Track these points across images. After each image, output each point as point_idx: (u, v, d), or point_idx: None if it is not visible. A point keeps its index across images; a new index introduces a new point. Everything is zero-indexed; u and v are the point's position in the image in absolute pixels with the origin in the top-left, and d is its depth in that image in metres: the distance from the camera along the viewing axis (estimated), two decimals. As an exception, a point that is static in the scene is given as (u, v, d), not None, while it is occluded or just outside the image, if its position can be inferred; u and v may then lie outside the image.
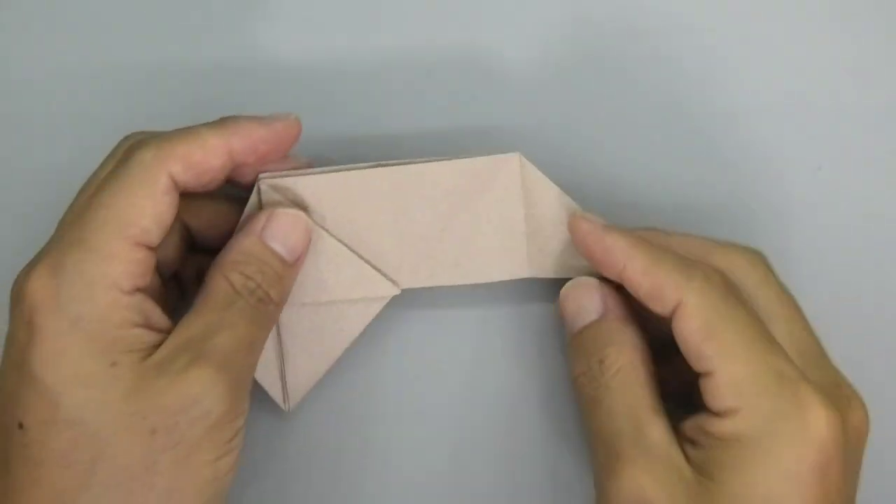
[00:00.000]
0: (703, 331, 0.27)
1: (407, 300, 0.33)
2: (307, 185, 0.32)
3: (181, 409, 0.27)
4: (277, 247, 0.30)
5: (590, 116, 0.34)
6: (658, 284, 0.28)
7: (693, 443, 0.28)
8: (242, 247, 0.30)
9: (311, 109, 0.33)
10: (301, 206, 0.32)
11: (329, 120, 0.35)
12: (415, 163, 0.32)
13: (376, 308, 0.33)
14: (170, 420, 0.26)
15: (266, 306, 0.30)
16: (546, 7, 0.35)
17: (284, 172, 0.32)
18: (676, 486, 0.27)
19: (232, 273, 0.29)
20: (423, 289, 0.32)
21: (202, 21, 0.35)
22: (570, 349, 0.31)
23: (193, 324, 0.28)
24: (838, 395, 0.28)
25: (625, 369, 0.29)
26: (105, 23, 0.35)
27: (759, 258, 0.30)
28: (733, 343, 0.27)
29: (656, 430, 0.28)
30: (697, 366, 0.28)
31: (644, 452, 0.27)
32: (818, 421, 0.26)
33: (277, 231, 0.30)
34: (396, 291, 0.32)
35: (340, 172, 0.32)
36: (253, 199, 0.32)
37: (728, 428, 0.27)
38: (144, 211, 0.28)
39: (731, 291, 0.28)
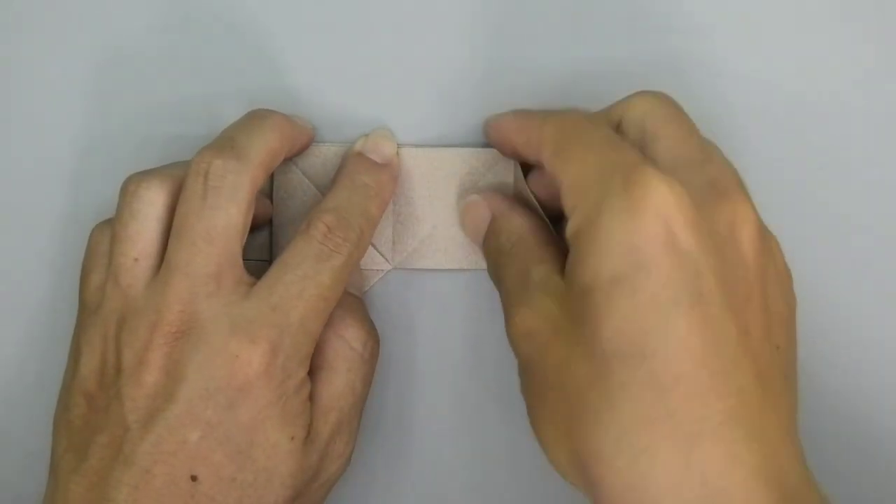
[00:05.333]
0: (553, 152, 0.28)
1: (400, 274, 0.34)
2: (317, 154, 0.34)
3: (319, 478, 0.30)
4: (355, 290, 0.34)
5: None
6: (526, 134, 0.30)
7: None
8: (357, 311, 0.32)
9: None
10: (308, 174, 0.34)
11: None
12: (418, 146, 0.34)
13: (370, 279, 0.34)
14: (309, 485, 0.30)
15: (375, 359, 0.32)
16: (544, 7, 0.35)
17: None
18: (553, 309, 0.27)
19: (351, 339, 0.31)
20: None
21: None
22: (484, 255, 0.32)
23: (326, 392, 0.30)
24: (705, 187, 0.27)
25: (518, 243, 0.30)
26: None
27: (657, 99, 0.30)
28: (577, 152, 0.28)
29: (537, 272, 0.28)
30: (557, 186, 0.28)
31: (526, 292, 0.28)
32: (653, 193, 0.25)
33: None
34: (388, 267, 0.34)
35: (348, 145, 0.33)
36: None
37: (571, 227, 0.27)
38: (339, 289, 0.30)
39: (588, 120, 0.29)
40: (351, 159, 0.33)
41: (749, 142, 0.34)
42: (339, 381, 0.30)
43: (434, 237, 0.34)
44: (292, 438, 0.29)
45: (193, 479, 0.27)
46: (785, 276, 0.29)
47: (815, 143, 0.34)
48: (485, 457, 0.34)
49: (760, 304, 0.26)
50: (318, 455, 0.30)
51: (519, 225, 0.31)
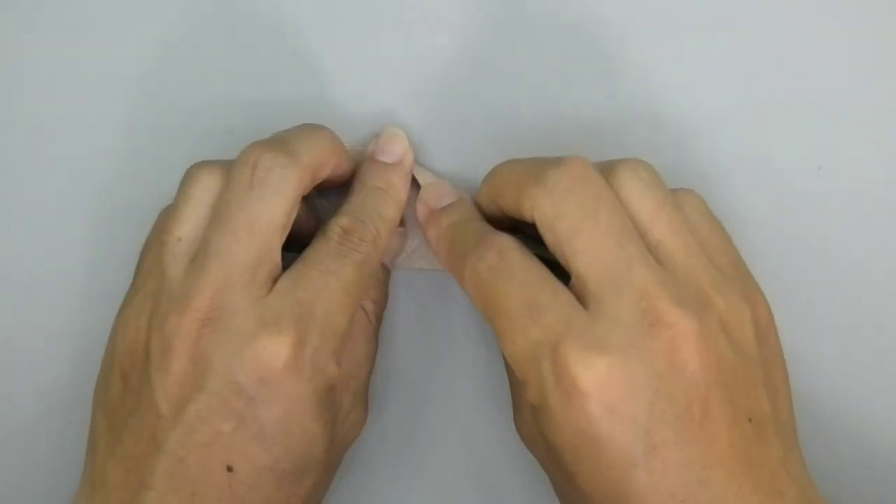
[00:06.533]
0: (483, 316, 0.29)
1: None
2: None
3: (343, 445, 0.32)
4: (387, 261, 0.34)
5: (584, 113, 0.34)
6: (454, 275, 0.31)
7: None
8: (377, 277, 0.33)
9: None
10: None
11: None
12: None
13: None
14: (340, 455, 0.32)
15: (380, 323, 0.33)
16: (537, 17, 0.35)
17: None
18: (539, 438, 0.29)
19: (367, 303, 0.32)
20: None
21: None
22: None
23: (346, 362, 0.31)
24: (636, 318, 0.27)
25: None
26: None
27: (565, 195, 0.28)
28: (502, 324, 0.28)
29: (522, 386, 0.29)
30: None
31: (518, 402, 0.31)
32: (582, 382, 0.26)
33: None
34: (388, 267, 0.34)
35: (353, 147, 0.34)
36: None
37: (526, 398, 0.29)
38: (368, 291, 0.32)
39: (504, 264, 0.29)
40: (363, 164, 0.33)
41: (747, 141, 0.34)
42: (359, 352, 0.31)
43: None
44: (326, 423, 0.29)
45: (229, 469, 0.28)
46: (745, 340, 0.28)
47: (814, 143, 0.34)
48: (483, 454, 0.35)
49: (720, 403, 0.27)
50: (343, 426, 0.31)
51: None
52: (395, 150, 0.33)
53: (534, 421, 0.29)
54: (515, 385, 0.31)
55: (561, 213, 0.28)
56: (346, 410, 0.31)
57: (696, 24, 0.34)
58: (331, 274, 0.29)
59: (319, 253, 0.30)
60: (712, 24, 0.34)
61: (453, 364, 0.35)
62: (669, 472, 0.26)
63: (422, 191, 0.33)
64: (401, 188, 0.33)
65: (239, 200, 0.29)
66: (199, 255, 0.29)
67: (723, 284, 0.28)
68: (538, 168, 0.29)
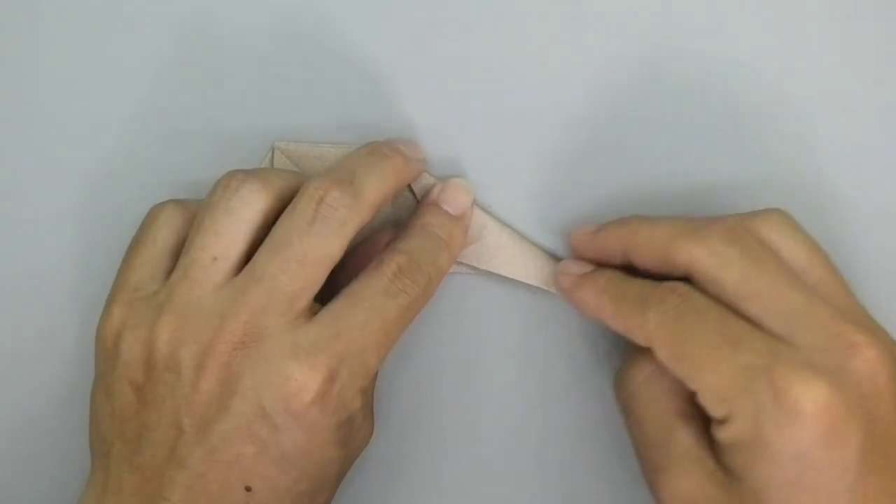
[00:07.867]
0: (673, 357, 0.28)
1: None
2: (318, 156, 0.34)
3: (357, 456, 0.31)
4: None
5: (594, 125, 0.35)
6: (626, 328, 0.30)
7: (718, 446, 0.28)
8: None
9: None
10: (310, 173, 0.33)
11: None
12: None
13: None
14: (349, 467, 0.31)
15: None
16: None
17: (300, 141, 0.34)
18: (713, 488, 0.28)
19: None
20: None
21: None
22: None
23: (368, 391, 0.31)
24: (832, 344, 0.27)
25: (648, 379, 0.30)
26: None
27: (723, 247, 0.29)
28: (701, 357, 0.27)
29: (685, 437, 0.29)
30: (687, 386, 0.28)
31: (677, 462, 0.29)
32: (804, 400, 0.26)
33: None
34: None
35: (353, 147, 0.33)
36: (265, 162, 0.34)
37: (728, 435, 0.27)
38: (401, 327, 0.30)
39: (689, 304, 0.28)
40: (426, 208, 0.33)
41: (747, 142, 0.34)
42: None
43: None
44: (343, 446, 0.29)
45: (248, 489, 0.28)
46: None
47: (814, 143, 0.34)
48: (482, 451, 0.35)
49: None
50: (354, 441, 0.31)
51: (650, 359, 0.30)
52: (460, 203, 0.33)
53: (708, 473, 0.28)
54: (660, 443, 0.29)
55: (725, 263, 0.28)
56: (357, 427, 0.31)
57: (695, 26, 0.35)
58: (374, 311, 0.29)
59: (369, 288, 0.29)
60: (711, 26, 0.34)
61: (453, 364, 0.35)
62: (881, 496, 0.26)
63: (560, 264, 0.33)
64: (460, 243, 0.33)
65: (298, 233, 0.29)
66: (244, 276, 0.29)
67: (869, 319, 0.29)
68: (690, 227, 0.29)
